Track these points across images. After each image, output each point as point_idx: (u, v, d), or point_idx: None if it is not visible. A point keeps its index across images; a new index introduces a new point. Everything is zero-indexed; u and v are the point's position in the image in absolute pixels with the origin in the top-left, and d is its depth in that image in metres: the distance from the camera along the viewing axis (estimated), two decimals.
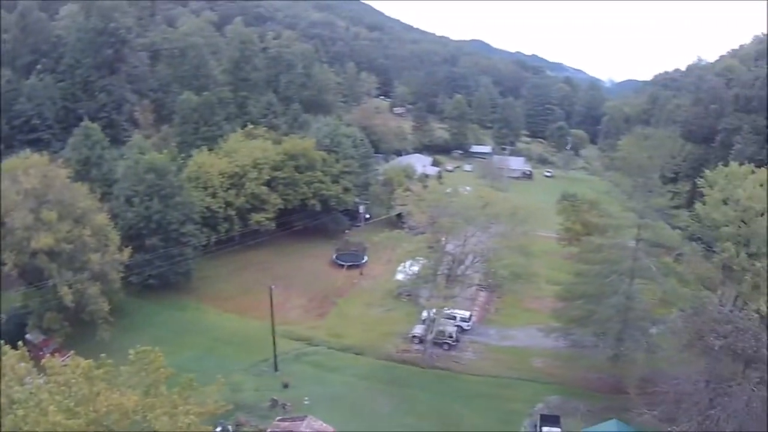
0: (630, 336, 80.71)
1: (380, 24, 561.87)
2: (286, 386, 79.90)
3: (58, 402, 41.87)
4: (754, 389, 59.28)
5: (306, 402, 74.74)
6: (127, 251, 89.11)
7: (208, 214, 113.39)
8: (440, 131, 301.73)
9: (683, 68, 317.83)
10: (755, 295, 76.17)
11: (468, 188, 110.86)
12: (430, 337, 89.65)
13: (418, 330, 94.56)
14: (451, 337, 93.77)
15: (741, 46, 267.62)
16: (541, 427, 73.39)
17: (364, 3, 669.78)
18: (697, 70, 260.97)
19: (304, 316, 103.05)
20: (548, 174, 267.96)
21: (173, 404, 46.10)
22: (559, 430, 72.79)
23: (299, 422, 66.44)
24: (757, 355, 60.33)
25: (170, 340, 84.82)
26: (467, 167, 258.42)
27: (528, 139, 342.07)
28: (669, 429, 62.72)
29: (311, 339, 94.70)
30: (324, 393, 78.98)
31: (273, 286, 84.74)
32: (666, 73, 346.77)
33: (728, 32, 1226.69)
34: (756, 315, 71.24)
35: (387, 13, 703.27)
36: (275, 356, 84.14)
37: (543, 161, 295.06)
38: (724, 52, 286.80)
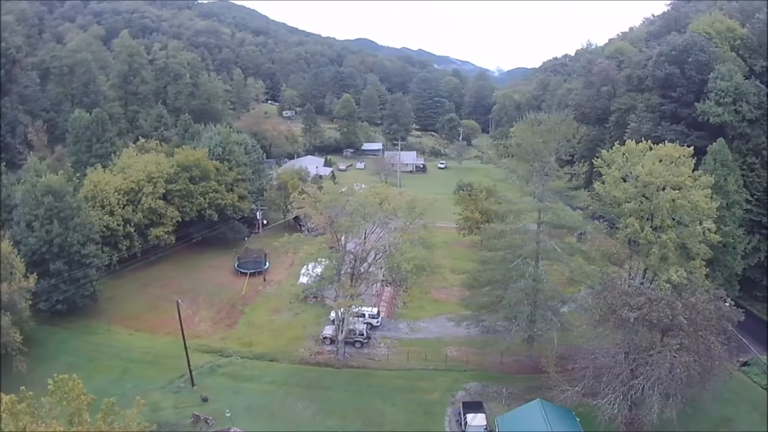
0: (542, 317, 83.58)
1: (265, 28, 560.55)
2: (205, 400, 79.78)
3: None
4: (675, 355, 62.62)
5: (227, 414, 74.67)
6: (33, 278, 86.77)
7: (107, 233, 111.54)
8: (330, 131, 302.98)
9: (572, 53, 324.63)
10: (664, 266, 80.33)
11: (362, 186, 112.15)
12: (341, 336, 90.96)
13: (329, 331, 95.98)
14: (362, 335, 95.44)
15: (631, 28, 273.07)
16: (465, 414, 75.03)
17: (248, 8, 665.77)
18: (586, 54, 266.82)
19: (214, 327, 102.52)
20: (442, 166, 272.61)
21: (98, 430, 46.25)
22: (483, 415, 74.58)
23: None
24: (674, 323, 63.97)
25: (85, 366, 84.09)
26: (359, 165, 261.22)
27: (419, 133, 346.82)
28: (594, 402, 65.84)
29: (223, 350, 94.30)
30: (244, 403, 79.25)
31: (180, 301, 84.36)
32: (555, 59, 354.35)
33: (618, 17, 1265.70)
34: (668, 285, 75.27)
35: (272, 17, 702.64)
36: (190, 371, 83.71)
37: (436, 154, 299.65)
38: (613, 36, 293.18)
